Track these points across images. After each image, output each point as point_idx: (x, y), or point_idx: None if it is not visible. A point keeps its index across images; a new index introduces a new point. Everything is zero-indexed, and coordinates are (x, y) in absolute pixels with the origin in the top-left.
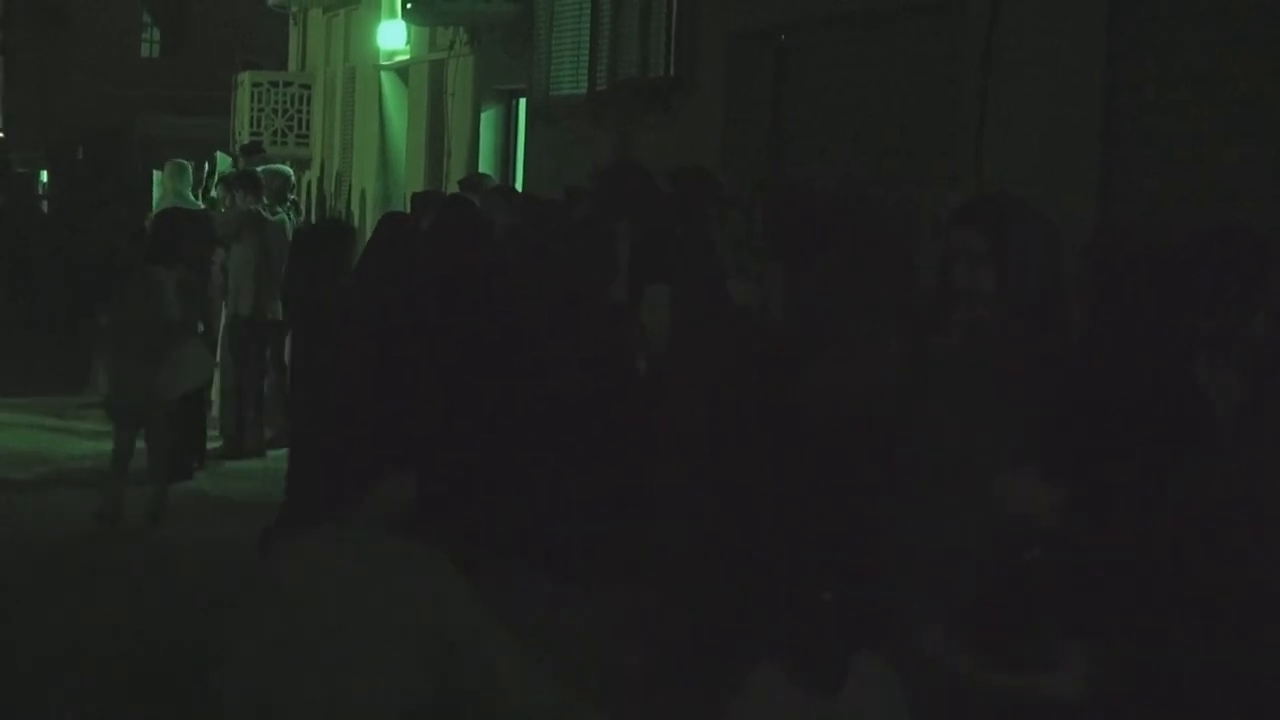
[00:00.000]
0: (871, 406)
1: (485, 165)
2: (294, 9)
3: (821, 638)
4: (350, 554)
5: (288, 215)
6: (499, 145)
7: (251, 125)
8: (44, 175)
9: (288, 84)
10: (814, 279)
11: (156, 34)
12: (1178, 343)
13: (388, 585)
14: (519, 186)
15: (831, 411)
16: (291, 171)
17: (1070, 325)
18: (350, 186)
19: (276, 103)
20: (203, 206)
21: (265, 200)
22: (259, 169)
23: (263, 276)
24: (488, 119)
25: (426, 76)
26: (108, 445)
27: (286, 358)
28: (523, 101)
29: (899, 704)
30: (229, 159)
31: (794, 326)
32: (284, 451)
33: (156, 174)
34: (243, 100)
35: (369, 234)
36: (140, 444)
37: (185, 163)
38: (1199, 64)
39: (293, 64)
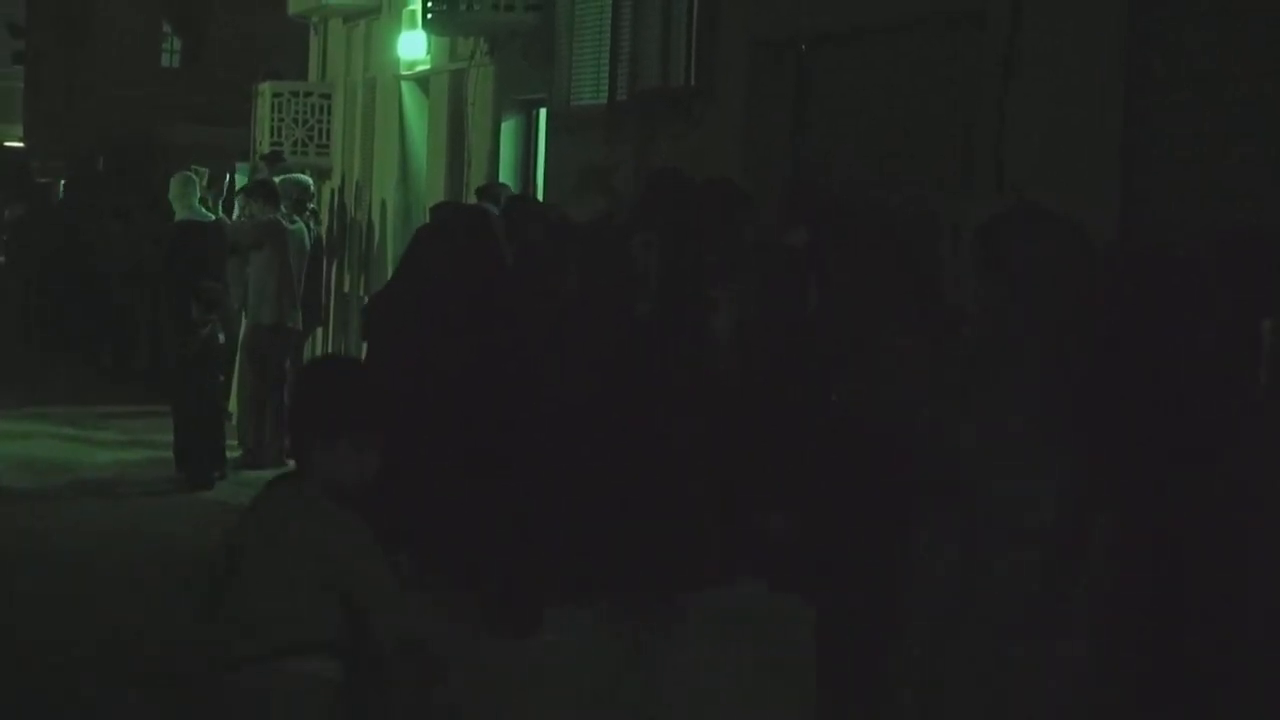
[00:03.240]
0: (897, 413)
1: (506, 175)
2: (314, 19)
3: None
4: (288, 510)
5: (306, 224)
6: (519, 155)
7: (272, 135)
8: (63, 185)
9: (308, 94)
10: (840, 285)
11: (177, 43)
12: (1185, 345)
13: (306, 531)
14: (540, 196)
15: (859, 418)
16: (310, 180)
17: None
18: (371, 196)
19: (297, 112)
20: (214, 217)
21: (283, 209)
22: (278, 178)
23: (285, 284)
24: (508, 129)
25: (447, 86)
26: (129, 454)
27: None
28: (543, 111)
29: None
30: (249, 170)
31: (822, 333)
32: None
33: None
34: (263, 110)
35: (388, 243)
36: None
37: (191, 174)
38: (1217, 68)
39: (313, 74)
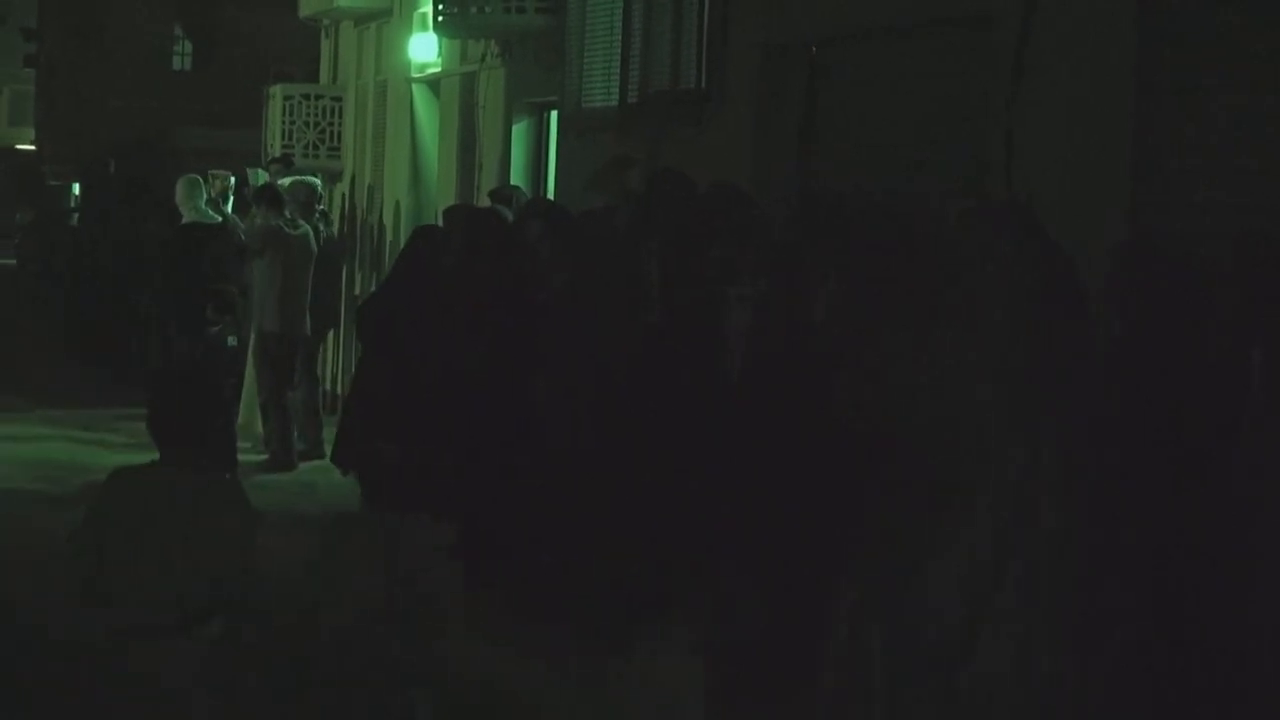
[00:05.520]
0: (900, 413)
1: (517, 178)
2: (325, 22)
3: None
4: (173, 484)
5: (316, 226)
6: (530, 158)
7: (283, 138)
8: (75, 188)
9: (319, 96)
10: (847, 286)
11: (188, 47)
12: (1190, 347)
13: (195, 506)
14: (551, 197)
15: (861, 419)
16: (318, 182)
17: (1064, 325)
18: (382, 199)
19: (308, 115)
20: (220, 220)
21: (288, 214)
22: (288, 180)
23: (288, 290)
24: (519, 131)
25: (458, 89)
26: (141, 457)
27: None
28: (554, 114)
29: None
30: (263, 174)
31: (827, 334)
32: (314, 464)
33: None
34: (274, 113)
35: (400, 246)
36: None
37: (197, 177)
38: (1228, 72)
39: (324, 77)
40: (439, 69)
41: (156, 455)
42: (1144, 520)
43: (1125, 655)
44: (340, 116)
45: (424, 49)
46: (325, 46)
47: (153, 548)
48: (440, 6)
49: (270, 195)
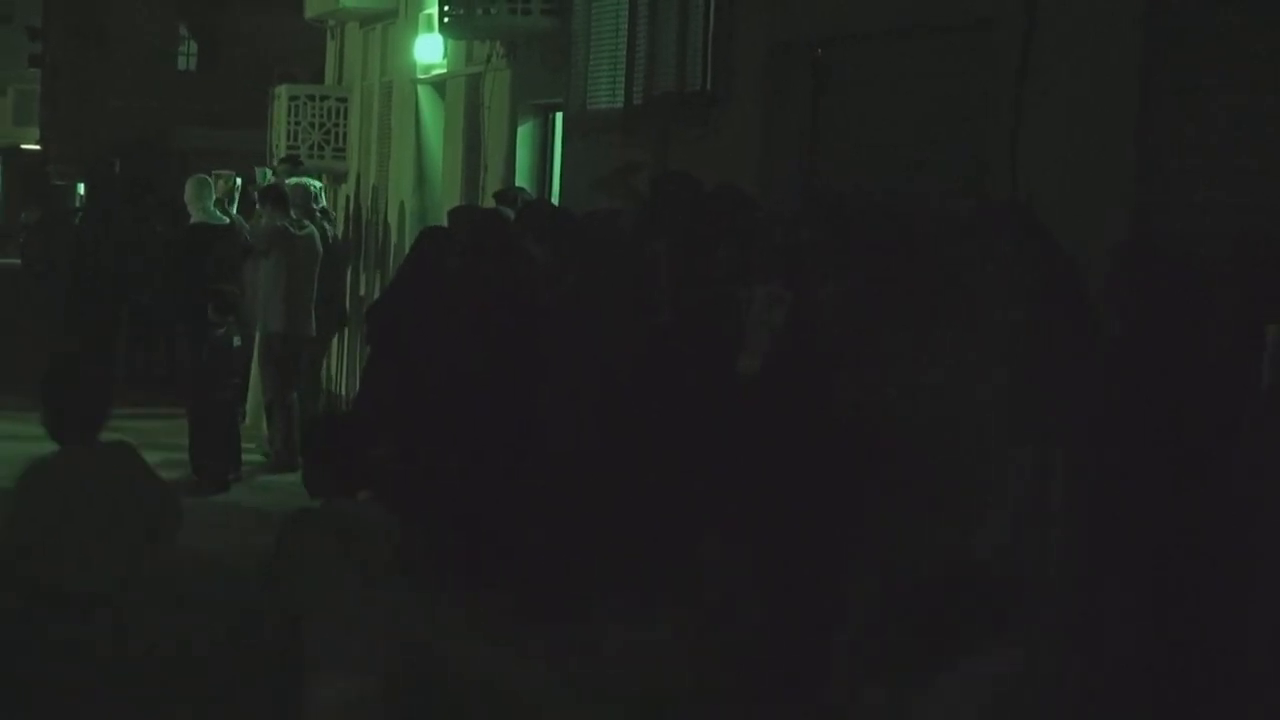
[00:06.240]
0: (901, 413)
1: (522, 179)
2: (331, 23)
3: None
4: (90, 461)
5: (322, 226)
6: (535, 159)
7: (288, 138)
8: (80, 188)
9: (324, 97)
10: (848, 286)
11: (193, 47)
12: (1202, 347)
13: (112, 478)
14: (555, 201)
15: (862, 419)
16: (315, 182)
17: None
18: (387, 200)
19: (313, 116)
20: (228, 220)
21: (293, 215)
22: (292, 180)
23: (293, 291)
24: (524, 133)
25: (463, 90)
26: (144, 456)
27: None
28: (559, 115)
29: None
30: (270, 173)
31: (828, 334)
32: None
33: None
34: (279, 113)
35: (405, 247)
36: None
37: (207, 177)
38: (1229, 71)
39: (329, 77)
40: (444, 70)
41: (158, 454)
42: (1144, 520)
43: (1125, 655)
44: (345, 117)
45: (429, 50)
46: (330, 47)
47: (64, 524)
48: (445, 8)
49: (276, 195)
